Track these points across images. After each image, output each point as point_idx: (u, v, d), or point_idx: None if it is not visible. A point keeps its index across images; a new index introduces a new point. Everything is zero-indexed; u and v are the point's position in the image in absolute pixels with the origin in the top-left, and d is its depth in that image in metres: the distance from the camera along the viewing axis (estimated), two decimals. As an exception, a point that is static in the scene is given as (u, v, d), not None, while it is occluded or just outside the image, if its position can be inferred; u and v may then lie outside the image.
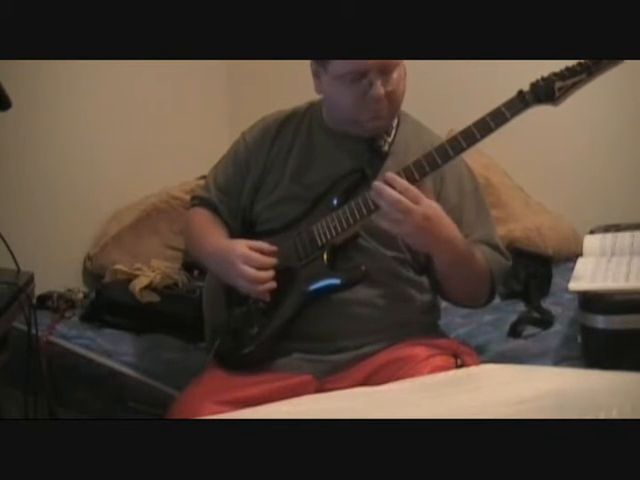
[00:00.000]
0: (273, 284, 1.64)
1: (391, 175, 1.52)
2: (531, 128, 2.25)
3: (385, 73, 1.59)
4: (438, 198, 1.67)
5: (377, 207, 1.59)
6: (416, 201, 1.50)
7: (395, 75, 1.61)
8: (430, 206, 1.52)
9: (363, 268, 1.62)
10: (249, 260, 1.63)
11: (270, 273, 1.64)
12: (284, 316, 1.65)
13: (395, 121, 1.71)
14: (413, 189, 1.51)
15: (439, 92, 2.77)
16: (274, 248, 1.66)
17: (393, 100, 1.63)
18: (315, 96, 1.79)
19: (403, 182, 1.51)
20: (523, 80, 1.53)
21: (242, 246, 1.66)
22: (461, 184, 1.70)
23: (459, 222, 1.65)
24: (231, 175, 1.82)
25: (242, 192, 1.79)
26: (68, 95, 2.54)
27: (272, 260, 1.65)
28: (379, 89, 1.58)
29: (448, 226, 1.56)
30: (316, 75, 1.68)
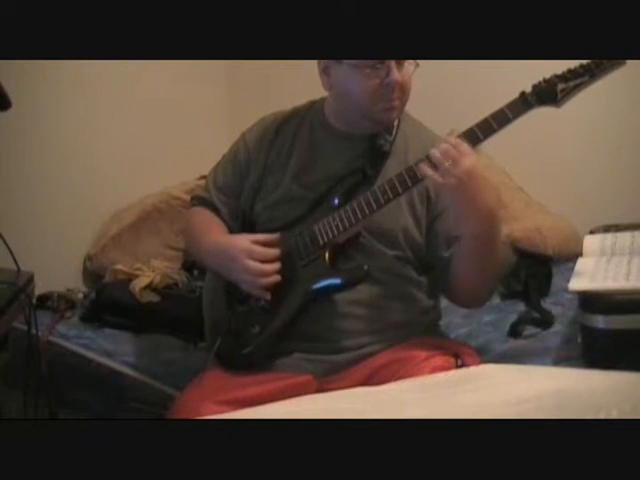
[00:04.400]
0: (277, 277, 1.63)
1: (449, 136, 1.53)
2: (531, 129, 2.24)
3: (400, 62, 1.60)
4: (438, 194, 1.67)
5: (379, 207, 1.59)
6: (464, 156, 1.49)
7: (407, 66, 1.62)
8: (476, 167, 1.50)
9: (365, 267, 1.62)
10: (252, 253, 1.63)
11: (275, 265, 1.64)
12: (285, 316, 1.65)
13: (396, 121, 1.71)
14: (466, 146, 1.50)
15: (439, 92, 2.77)
16: (277, 236, 1.66)
17: (404, 92, 1.64)
18: (316, 95, 1.79)
19: (456, 139, 1.52)
20: (524, 80, 1.53)
21: (244, 240, 1.66)
22: None
23: None
24: (231, 176, 1.82)
25: (242, 193, 1.79)
26: (68, 95, 2.54)
27: (276, 251, 1.65)
28: (396, 75, 1.59)
29: (488, 194, 1.53)
30: (325, 71, 1.68)
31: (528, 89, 1.53)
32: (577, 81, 1.50)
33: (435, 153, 1.50)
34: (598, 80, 1.49)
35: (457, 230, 1.61)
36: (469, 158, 1.49)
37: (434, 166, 1.51)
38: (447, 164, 1.48)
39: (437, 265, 1.69)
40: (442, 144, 1.51)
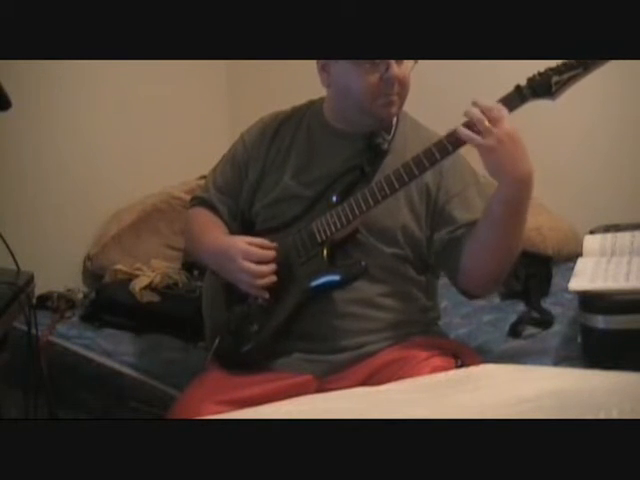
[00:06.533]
0: (273, 278, 1.64)
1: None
2: (531, 128, 2.24)
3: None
4: (438, 190, 1.67)
5: (376, 203, 1.59)
6: (505, 118, 1.47)
7: (406, 62, 1.62)
8: (515, 130, 1.48)
9: (363, 263, 1.62)
10: (249, 255, 1.64)
11: (271, 267, 1.64)
12: (284, 314, 1.65)
13: (394, 119, 1.71)
14: (505, 110, 1.49)
15: (439, 92, 2.77)
16: (274, 244, 1.66)
17: (403, 87, 1.64)
18: (316, 95, 1.79)
19: (496, 102, 1.50)
20: (522, 78, 1.53)
21: (242, 242, 1.67)
22: (462, 175, 1.69)
23: (467, 208, 1.65)
24: (230, 176, 1.82)
25: (241, 193, 1.80)
26: (68, 95, 2.54)
27: (272, 253, 1.65)
28: (396, 70, 1.60)
29: (526, 159, 1.50)
30: (323, 68, 1.68)
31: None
32: (571, 73, 1.49)
33: (476, 113, 1.47)
34: (592, 72, 1.49)
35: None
36: (509, 121, 1.48)
37: (473, 128, 1.48)
38: (487, 124, 1.46)
39: (446, 247, 1.66)
40: (482, 104, 1.48)
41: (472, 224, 1.62)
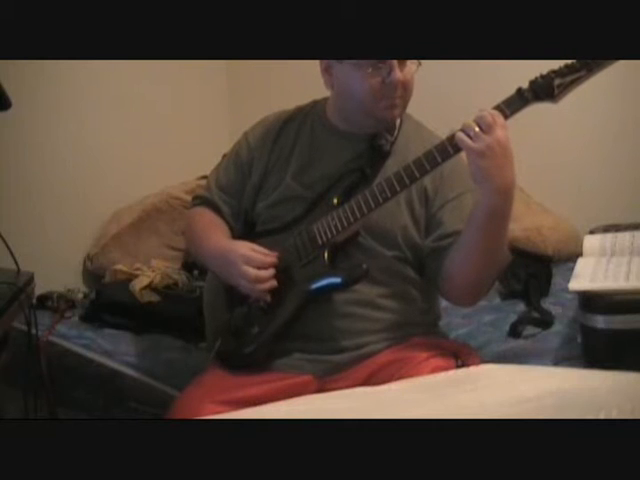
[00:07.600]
0: (274, 283, 1.64)
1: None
2: (531, 129, 2.25)
3: (402, 61, 1.60)
4: (436, 194, 1.67)
5: (377, 205, 1.59)
6: (499, 126, 1.47)
7: (409, 64, 1.62)
8: (508, 139, 1.48)
9: (364, 266, 1.61)
10: (250, 260, 1.63)
11: (270, 272, 1.64)
12: (285, 315, 1.65)
13: (397, 121, 1.71)
14: (502, 118, 1.49)
15: (442, 94, 2.78)
16: (275, 253, 1.66)
17: (406, 90, 1.64)
18: (317, 95, 1.79)
19: (494, 110, 1.50)
20: (524, 80, 1.53)
21: (244, 247, 1.66)
22: (462, 180, 1.69)
23: (459, 215, 1.65)
24: (233, 175, 1.82)
25: (243, 192, 1.79)
26: (68, 95, 2.54)
27: (273, 259, 1.65)
28: (398, 74, 1.59)
29: (511, 170, 1.49)
30: (327, 70, 1.68)
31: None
32: (574, 76, 1.49)
33: (471, 119, 1.48)
34: (595, 74, 1.48)
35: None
36: (503, 130, 1.47)
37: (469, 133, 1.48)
38: (476, 129, 1.46)
39: (430, 255, 1.66)
40: (479, 112, 1.49)
41: (459, 234, 1.62)
